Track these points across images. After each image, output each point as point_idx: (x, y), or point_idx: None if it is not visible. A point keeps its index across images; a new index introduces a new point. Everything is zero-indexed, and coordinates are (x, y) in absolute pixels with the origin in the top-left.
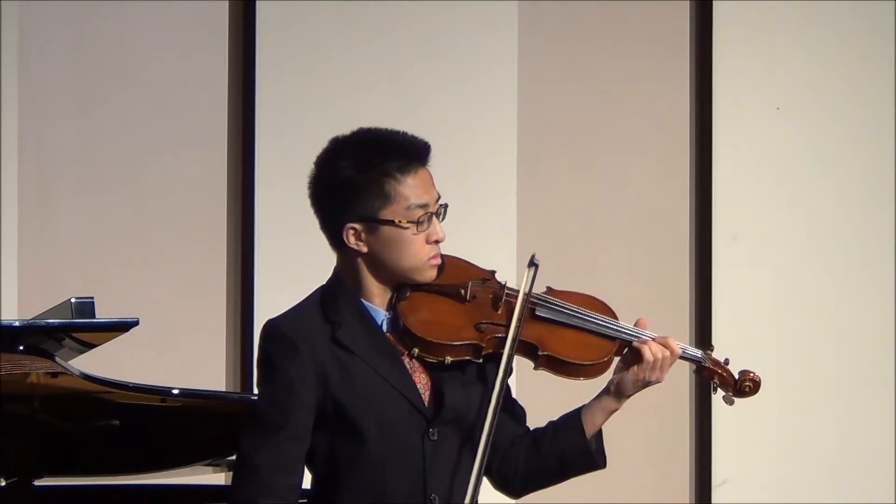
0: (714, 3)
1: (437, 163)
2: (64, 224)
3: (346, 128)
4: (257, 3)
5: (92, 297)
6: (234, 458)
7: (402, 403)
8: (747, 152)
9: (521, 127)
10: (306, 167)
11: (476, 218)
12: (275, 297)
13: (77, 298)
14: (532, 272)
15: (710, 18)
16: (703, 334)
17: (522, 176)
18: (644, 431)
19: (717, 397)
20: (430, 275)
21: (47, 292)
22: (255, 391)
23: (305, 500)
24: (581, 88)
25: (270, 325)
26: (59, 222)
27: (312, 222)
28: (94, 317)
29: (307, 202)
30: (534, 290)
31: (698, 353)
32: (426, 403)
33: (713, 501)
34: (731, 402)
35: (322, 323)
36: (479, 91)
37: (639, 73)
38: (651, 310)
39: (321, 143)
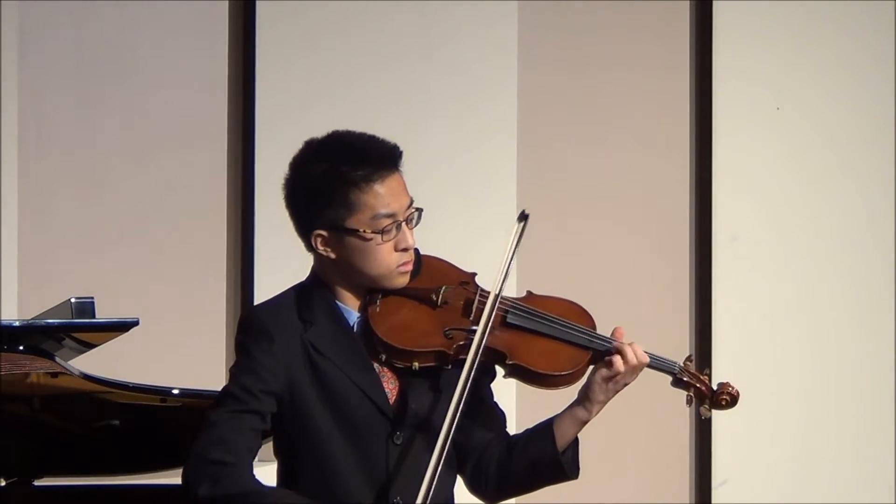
0: (714, 3)
1: (437, 163)
2: (64, 224)
3: (345, 127)
4: (257, 3)
5: (92, 297)
6: None
7: (367, 406)
8: (747, 152)
9: (521, 126)
10: None
11: (476, 216)
12: None
13: (77, 298)
14: (521, 226)
15: (710, 18)
16: (702, 334)
17: (522, 175)
18: (644, 431)
19: (692, 411)
20: (401, 281)
21: (47, 292)
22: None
23: None
24: (581, 88)
25: (248, 312)
26: (59, 222)
27: None
28: (94, 317)
29: None
30: (514, 295)
31: (673, 366)
32: (392, 407)
33: (713, 501)
34: (706, 415)
35: (296, 319)
36: (479, 90)
37: (639, 72)
38: (651, 310)
39: None
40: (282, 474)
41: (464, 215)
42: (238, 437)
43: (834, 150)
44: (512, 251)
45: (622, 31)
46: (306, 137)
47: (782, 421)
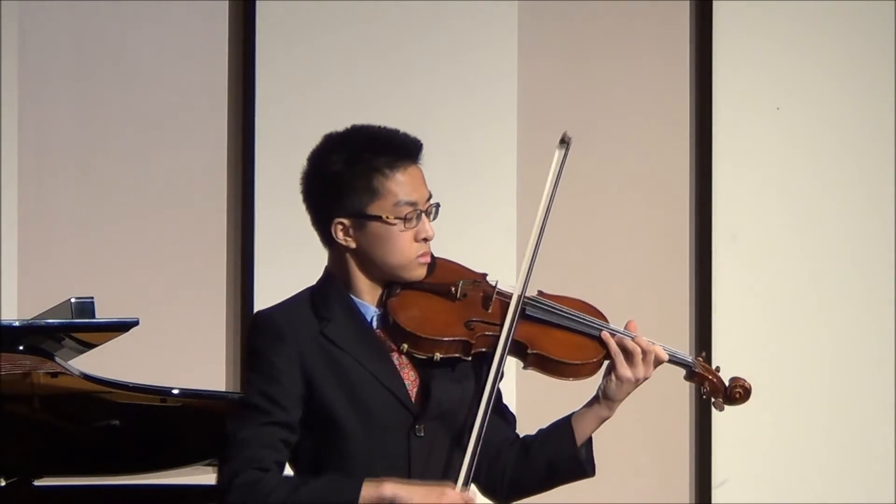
0: (714, 3)
1: (437, 163)
2: (64, 224)
3: (346, 125)
4: (257, 3)
5: (92, 297)
6: None
7: (388, 399)
8: (747, 152)
9: (521, 127)
10: None
11: (476, 218)
12: (275, 298)
13: (77, 298)
14: (563, 151)
15: (710, 19)
16: (702, 334)
17: (522, 176)
18: (644, 432)
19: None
20: (419, 273)
21: (47, 292)
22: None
23: None
24: (581, 88)
25: (259, 316)
26: (59, 222)
27: None
28: (94, 317)
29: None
30: (525, 294)
31: (688, 357)
32: (413, 400)
33: (713, 501)
34: (721, 408)
35: (311, 318)
36: (480, 91)
37: (639, 73)
38: (651, 309)
39: None
40: (300, 469)
41: (464, 217)
42: (268, 452)
43: (834, 150)
44: (553, 184)
45: (623, 31)
46: (307, 137)
47: (782, 421)
